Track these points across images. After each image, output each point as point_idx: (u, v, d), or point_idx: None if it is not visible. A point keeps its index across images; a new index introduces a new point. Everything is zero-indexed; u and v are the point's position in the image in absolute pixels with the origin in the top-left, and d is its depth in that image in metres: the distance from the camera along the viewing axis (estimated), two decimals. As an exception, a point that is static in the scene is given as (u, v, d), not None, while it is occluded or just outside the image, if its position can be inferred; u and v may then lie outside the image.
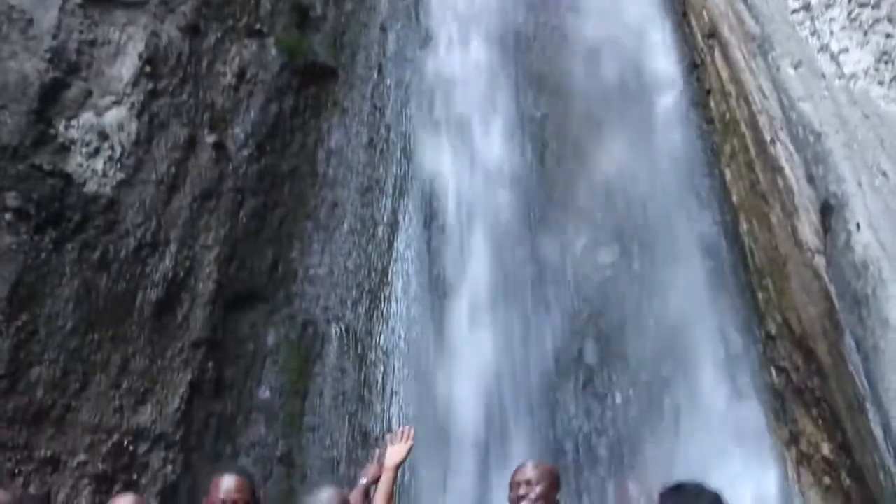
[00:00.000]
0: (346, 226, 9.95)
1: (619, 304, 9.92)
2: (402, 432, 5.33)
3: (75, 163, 7.76)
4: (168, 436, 7.68)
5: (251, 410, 8.54)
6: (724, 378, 9.21)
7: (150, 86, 8.56)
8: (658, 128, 10.85)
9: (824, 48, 8.99)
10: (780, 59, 9.38)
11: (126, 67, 8.44)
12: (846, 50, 8.83)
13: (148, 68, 8.58)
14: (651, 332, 9.58)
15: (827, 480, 8.19)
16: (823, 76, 8.85)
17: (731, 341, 9.45)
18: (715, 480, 4.35)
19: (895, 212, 7.83)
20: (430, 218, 10.59)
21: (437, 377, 9.47)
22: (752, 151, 9.58)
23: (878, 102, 8.40)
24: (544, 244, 10.35)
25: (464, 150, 11.06)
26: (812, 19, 9.17)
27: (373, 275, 9.87)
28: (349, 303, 9.56)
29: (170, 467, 7.60)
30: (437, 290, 10.11)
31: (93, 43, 8.30)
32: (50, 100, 7.79)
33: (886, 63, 8.57)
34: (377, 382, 9.28)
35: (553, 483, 5.08)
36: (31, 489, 6.70)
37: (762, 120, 9.37)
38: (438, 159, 10.96)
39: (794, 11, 9.15)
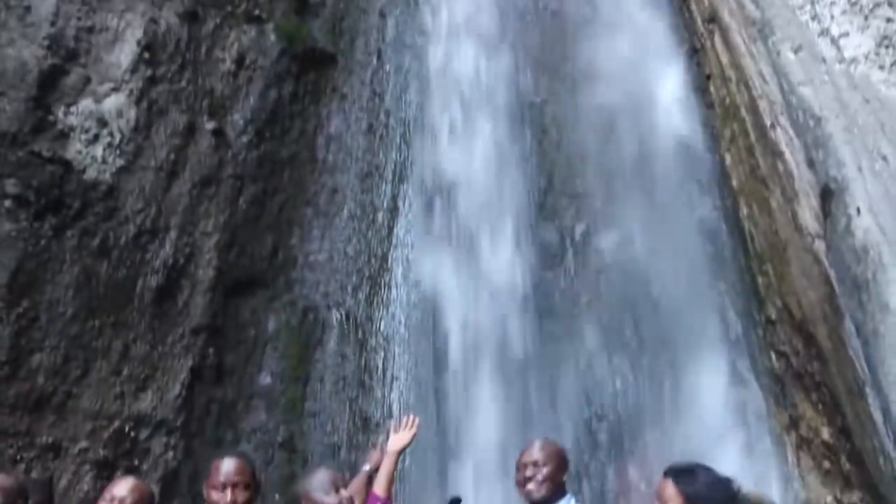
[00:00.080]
0: (345, 212, 9.94)
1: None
2: (406, 420, 5.33)
3: (74, 149, 7.76)
4: (169, 422, 7.71)
5: (252, 396, 8.56)
6: (724, 363, 9.21)
7: (149, 72, 8.55)
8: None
9: (825, 32, 8.98)
10: (780, 44, 9.37)
11: (125, 54, 8.42)
12: (847, 34, 8.82)
13: (146, 55, 8.57)
14: (651, 317, 9.57)
15: (826, 464, 8.21)
16: (824, 60, 8.84)
17: (731, 326, 9.46)
18: (715, 465, 4.34)
19: (895, 196, 7.84)
20: (438, 363, 9.61)
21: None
22: (753, 136, 9.56)
23: (879, 87, 8.40)
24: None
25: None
26: (812, 3, 9.16)
27: (373, 260, 9.86)
28: (349, 288, 9.56)
29: (171, 453, 7.63)
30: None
31: (91, 29, 8.28)
32: (49, 87, 7.78)
33: (887, 47, 8.56)
34: (378, 368, 9.29)
35: (560, 464, 5.06)
36: (33, 476, 6.73)
37: (762, 104, 9.35)
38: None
39: (795, -5, 9.15)
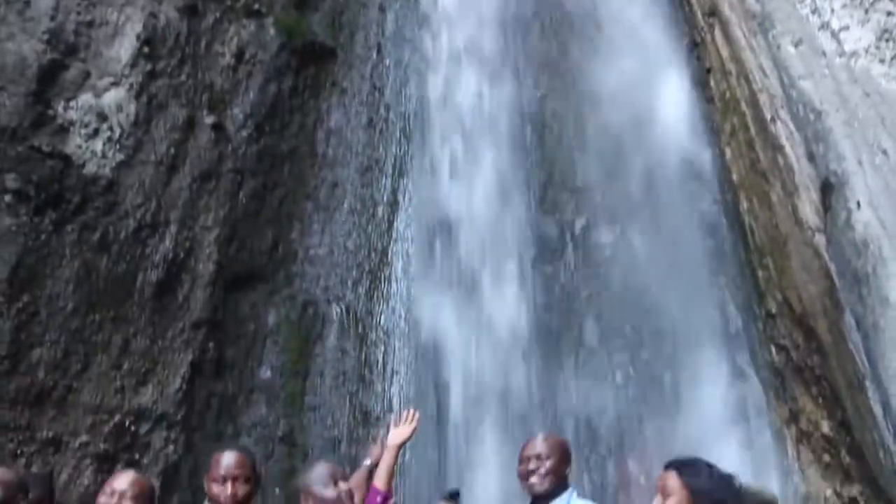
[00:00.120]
0: (345, 206, 9.93)
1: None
2: (406, 414, 5.32)
3: (74, 144, 7.75)
4: (169, 416, 7.72)
5: (252, 390, 8.57)
6: (725, 356, 9.22)
7: (149, 67, 8.54)
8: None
9: (825, 26, 8.97)
10: (780, 37, 9.36)
11: (124, 48, 8.41)
12: (847, 28, 8.81)
13: (146, 49, 8.56)
14: (651, 311, 9.57)
15: (826, 458, 8.22)
16: (824, 54, 8.84)
17: (732, 320, 9.46)
18: (715, 458, 4.34)
19: (895, 190, 7.84)
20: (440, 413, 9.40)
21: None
22: (753, 130, 9.56)
23: (879, 80, 8.39)
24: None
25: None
26: (812, -3, 9.15)
27: (373, 255, 9.87)
28: (349, 283, 9.56)
29: (171, 447, 7.64)
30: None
31: (90, 24, 8.27)
32: (48, 81, 7.77)
33: (887, 41, 8.56)
34: (378, 362, 9.30)
35: (563, 457, 5.03)
36: (34, 470, 6.73)
37: (762, 98, 9.35)
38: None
39: (795, -11, 9.13)
